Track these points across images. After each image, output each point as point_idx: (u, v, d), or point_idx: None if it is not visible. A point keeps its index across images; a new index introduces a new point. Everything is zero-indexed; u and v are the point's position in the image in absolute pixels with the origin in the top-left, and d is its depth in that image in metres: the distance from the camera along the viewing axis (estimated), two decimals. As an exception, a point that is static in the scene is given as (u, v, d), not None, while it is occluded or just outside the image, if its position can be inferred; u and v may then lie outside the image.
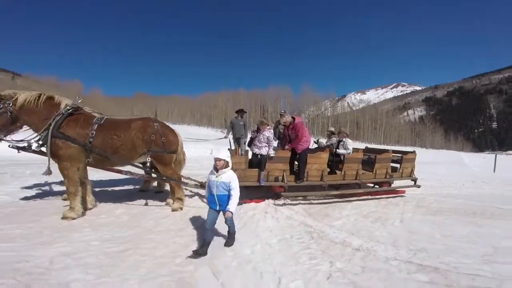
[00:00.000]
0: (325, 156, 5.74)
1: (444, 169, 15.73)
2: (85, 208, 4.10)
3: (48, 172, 3.95)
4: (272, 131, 5.41)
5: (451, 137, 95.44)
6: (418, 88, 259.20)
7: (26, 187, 5.46)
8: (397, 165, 6.91)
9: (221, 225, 3.40)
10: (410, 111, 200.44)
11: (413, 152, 7.26)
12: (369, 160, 6.74)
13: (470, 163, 21.85)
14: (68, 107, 4.08)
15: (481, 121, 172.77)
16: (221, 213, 3.14)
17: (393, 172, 6.73)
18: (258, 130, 5.42)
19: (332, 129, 7.82)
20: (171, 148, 4.60)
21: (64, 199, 4.58)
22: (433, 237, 3.91)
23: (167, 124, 5.15)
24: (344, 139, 6.36)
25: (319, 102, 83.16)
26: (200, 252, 2.92)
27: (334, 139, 7.02)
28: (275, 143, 5.43)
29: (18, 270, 2.44)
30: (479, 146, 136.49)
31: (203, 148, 14.85)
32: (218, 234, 3.51)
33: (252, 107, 73.37)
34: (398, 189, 6.81)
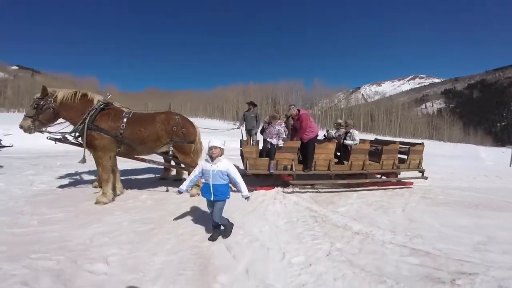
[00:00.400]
0: (332, 146, 6.03)
1: (458, 163, 15.52)
2: (115, 194, 4.60)
3: (83, 160, 4.48)
4: (283, 124, 5.80)
5: (471, 130, 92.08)
6: (437, 80, 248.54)
7: (59, 177, 6.05)
8: (405, 157, 7.01)
9: (231, 205, 3.75)
10: (428, 104, 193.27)
11: (421, 144, 7.33)
12: (377, 151, 6.90)
13: (486, 157, 21.26)
14: (100, 102, 4.58)
15: (504, 114, 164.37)
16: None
17: (400, 163, 6.85)
18: (270, 123, 5.76)
19: (340, 121, 8.01)
20: (190, 138, 5.07)
21: (95, 187, 5.14)
22: (431, 225, 4.11)
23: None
24: (351, 131, 6.61)
25: (331, 95, 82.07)
26: (215, 236, 3.19)
27: (342, 131, 7.22)
28: (284, 135, 5.80)
29: (64, 248, 2.84)
30: (501, 140, 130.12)
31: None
32: (230, 215, 3.90)
33: (264, 100, 73.53)
34: (405, 181, 6.95)
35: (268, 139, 5.67)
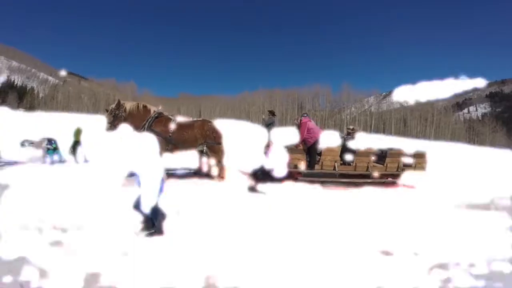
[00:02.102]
0: (337, 149, 6.99)
1: (481, 168, 15.18)
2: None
3: None
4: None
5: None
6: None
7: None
8: (411, 161, 7.40)
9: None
10: (471, 108, 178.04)
11: (424, 152, 7.87)
12: (382, 154, 7.55)
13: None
14: (155, 113, 6.15)
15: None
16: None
17: (406, 167, 7.34)
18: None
19: (351, 126, 8.85)
20: (219, 140, 6.37)
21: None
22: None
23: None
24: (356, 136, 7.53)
25: (362, 99, 79.58)
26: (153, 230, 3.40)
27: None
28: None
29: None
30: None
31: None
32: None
33: (289, 105, 73.36)
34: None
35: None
